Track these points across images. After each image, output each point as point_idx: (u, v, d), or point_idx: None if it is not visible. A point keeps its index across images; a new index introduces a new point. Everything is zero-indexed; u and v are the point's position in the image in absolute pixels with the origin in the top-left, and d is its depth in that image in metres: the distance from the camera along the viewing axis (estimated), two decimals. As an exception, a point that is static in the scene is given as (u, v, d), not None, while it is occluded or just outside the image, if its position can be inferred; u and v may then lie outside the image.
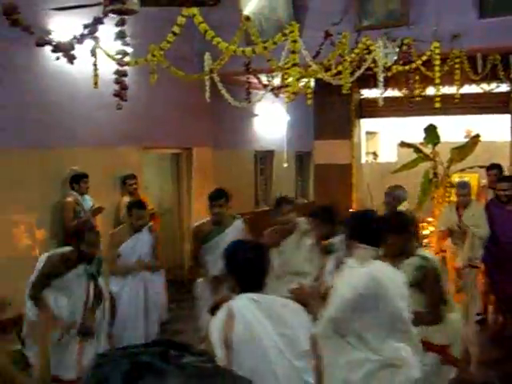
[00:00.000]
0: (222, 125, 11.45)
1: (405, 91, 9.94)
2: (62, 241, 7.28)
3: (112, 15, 4.59)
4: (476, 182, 10.94)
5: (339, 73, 7.60)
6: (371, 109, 11.31)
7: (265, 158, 14.20)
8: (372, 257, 3.61)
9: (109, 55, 6.29)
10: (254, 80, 9.54)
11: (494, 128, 12.59)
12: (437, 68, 7.71)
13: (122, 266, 6.17)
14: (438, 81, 7.69)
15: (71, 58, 5.03)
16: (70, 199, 7.50)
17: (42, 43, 4.92)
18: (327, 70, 7.59)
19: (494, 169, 8.08)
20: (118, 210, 8.73)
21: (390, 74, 8.17)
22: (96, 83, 6.53)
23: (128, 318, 6.05)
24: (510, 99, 10.94)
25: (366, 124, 12.98)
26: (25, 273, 5.30)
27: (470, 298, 7.24)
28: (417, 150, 10.63)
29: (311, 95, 8.53)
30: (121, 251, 6.19)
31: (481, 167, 9.28)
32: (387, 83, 8.32)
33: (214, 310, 3.10)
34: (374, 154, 16.04)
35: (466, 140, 11.19)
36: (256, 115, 13.19)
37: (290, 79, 7.93)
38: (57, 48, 4.94)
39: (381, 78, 7.70)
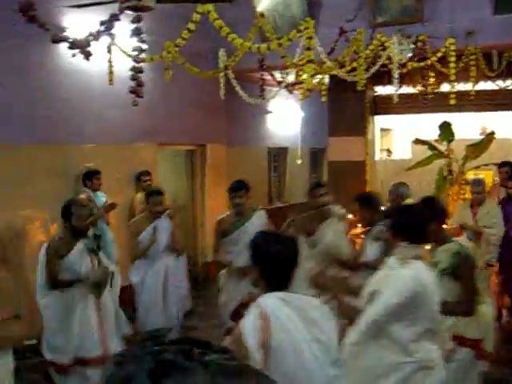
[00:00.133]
0: (235, 121, 11.46)
1: (419, 88, 9.90)
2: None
3: (128, 12, 4.62)
4: (491, 179, 10.89)
5: (354, 69, 7.58)
6: (386, 105, 11.26)
7: (278, 154, 14.20)
8: (414, 256, 3.45)
9: (124, 52, 6.32)
10: (268, 77, 9.54)
11: (509, 125, 12.50)
12: (452, 65, 7.67)
13: (141, 247, 6.32)
14: (453, 77, 7.66)
15: (88, 55, 5.06)
16: (82, 196, 7.53)
17: (57, 40, 4.95)
18: (342, 66, 7.58)
19: (505, 166, 7.93)
20: (132, 207, 8.77)
21: (404, 70, 8.14)
22: (111, 80, 6.56)
23: (150, 305, 6.28)
24: (525, 96, 10.87)
25: (380, 121, 12.93)
26: (37, 269, 5.40)
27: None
28: (431, 147, 10.59)
29: (325, 92, 8.52)
30: (141, 239, 6.26)
31: (496, 165, 9.23)
32: (402, 80, 8.29)
33: (234, 316, 2.99)
34: (388, 151, 15.97)
35: (481, 137, 11.13)
36: (270, 112, 13.19)
37: (305, 76, 7.94)
38: (73, 45, 4.97)
39: (396, 74, 7.67)
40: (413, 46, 8.29)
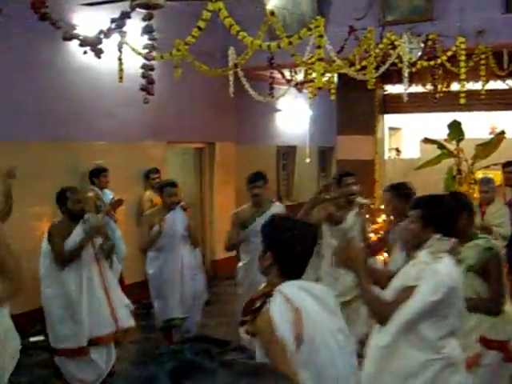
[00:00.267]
0: (244, 120, 11.46)
1: (429, 87, 9.87)
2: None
3: (138, 10, 4.63)
4: (500, 179, 10.84)
5: (363, 68, 7.56)
6: (395, 104, 11.24)
7: (287, 153, 14.19)
8: (446, 249, 3.30)
9: (134, 50, 6.33)
10: (277, 75, 9.53)
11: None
12: (462, 64, 7.63)
13: (149, 237, 6.34)
14: (463, 76, 7.62)
15: (99, 53, 5.07)
16: (90, 194, 7.55)
17: (68, 37, 4.96)
18: (351, 65, 7.57)
19: (510, 166, 7.85)
20: (140, 205, 8.79)
21: (414, 69, 8.11)
22: (121, 78, 6.57)
23: (166, 296, 6.34)
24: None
25: (388, 120, 12.90)
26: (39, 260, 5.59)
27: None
28: (440, 146, 10.55)
29: (334, 90, 8.50)
30: (156, 231, 6.29)
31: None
32: (411, 79, 8.27)
33: (246, 312, 2.69)
34: (397, 150, 15.94)
35: (491, 136, 11.08)
36: (279, 110, 13.18)
37: (314, 74, 7.92)
38: (84, 42, 4.98)
39: (406, 73, 7.66)
40: (422, 44, 8.26)
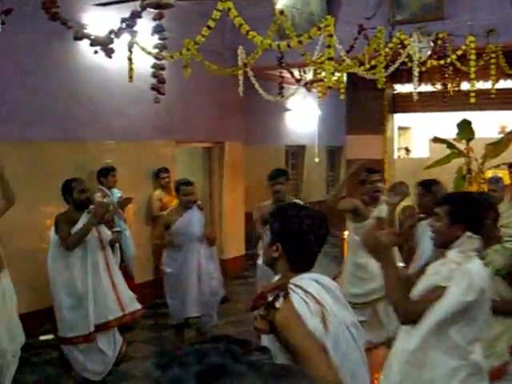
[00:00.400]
0: (253, 119, 11.47)
1: (439, 86, 9.84)
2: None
3: (148, 9, 4.63)
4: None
5: (373, 67, 7.55)
6: (405, 104, 11.21)
7: (296, 152, 14.20)
8: (476, 248, 3.15)
9: (144, 49, 6.33)
10: (286, 74, 9.53)
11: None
12: (472, 63, 7.61)
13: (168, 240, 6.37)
14: (473, 76, 7.60)
15: (109, 52, 5.08)
16: (98, 194, 7.54)
17: (79, 37, 4.97)
18: (361, 64, 7.55)
19: None
20: (150, 204, 8.81)
21: (424, 68, 8.09)
22: (131, 77, 6.57)
23: (184, 295, 6.34)
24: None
25: (398, 119, 12.87)
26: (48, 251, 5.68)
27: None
28: (450, 145, 10.52)
29: (344, 90, 8.49)
30: (173, 231, 6.32)
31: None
32: (421, 78, 8.24)
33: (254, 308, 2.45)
34: (407, 150, 15.91)
35: (501, 136, 11.04)
36: (288, 110, 13.19)
37: (323, 74, 7.91)
38: (95, 42, 4.99)
39: (415, 72, 7.64)
40: (432, 43, 8.24)
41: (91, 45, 5.07)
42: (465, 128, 10.27)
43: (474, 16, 8.12)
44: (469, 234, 3.13)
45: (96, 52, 5.25)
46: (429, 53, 8.25)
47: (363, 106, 11.02)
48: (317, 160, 13.06)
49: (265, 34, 5.95)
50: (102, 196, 7.46)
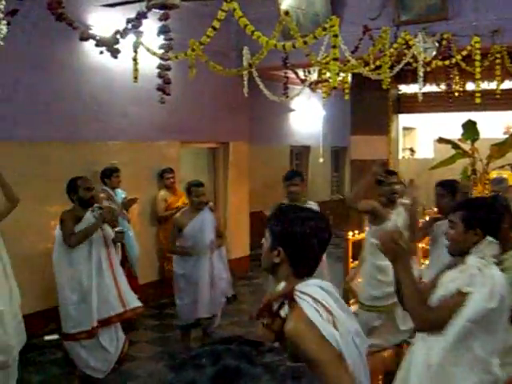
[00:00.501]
0: (258, 120, 11.47)
1: (444, 87, 9.82)
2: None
3: (154, 10, 4.64)
4: (512, 179, 10.77)
5: (378, 67, 7.54)
6: (409, 104, 11.19)
7: (301, 153, 14.20)
8: (495, 254, 3.05)
9: (148, 50, 6.34)
10: (291, 75, 9.53)
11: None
12: (477, 63, 7.60)
13: (183, 246, 6.38)
14: (478, 76, 7.59)
15: (115, 53, 5.08)
16: (102, 195, 7.54)
17: (85, 38, 4.97)
18: (366, 64, 7.55)
19: None
20: (154, 204, 8.83)
21: (429, 69, 8.08)
22: (136, 78, 6.58)
23: (196, 296, 6.34)
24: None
25: (403, 119, 12.85)
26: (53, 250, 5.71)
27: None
28: (455, 146, 10.49)
29: (348, 90, 8.48)
30: (186, 232, 6.33)
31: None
32: (426, 78, 8.23)
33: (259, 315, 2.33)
34: (411, 150, 15.90)
35: (506, 136, 11.01)
36: (292, 110, 13.19)
37: (328, 74, 7.90)
38: (100, 42, 4.99)
39: (420, 73, 7.63)
40: (437, 44, 8.23)
41: (97, 45, 5.08)
42: (470, 128, 10.23)
43: (479, 16, 8.11)
44: (490, 238, 3.05)
45: (102, 52, 5.25)
46: (434, 53, 8.24)
47: (368, 106, 11.00)
48: (321, 160, 13.05)
49: (269, 34, 5.94)
50: (106, 197, 7.47)
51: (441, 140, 10.81)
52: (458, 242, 3.13)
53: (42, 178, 7.17)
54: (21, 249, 6.58)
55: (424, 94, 8.75)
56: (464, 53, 7.87)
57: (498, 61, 8.22)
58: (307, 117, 13.59)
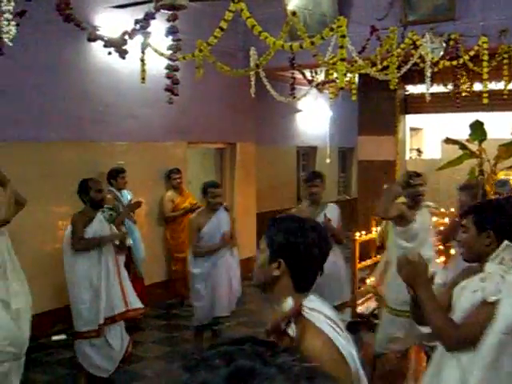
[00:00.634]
0: (265, 120, 11.48)
1: (451, 87, 9.80)
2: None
3: (162, 11, 4.65)
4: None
5: (385, 68, 7.54)
6: (417, 105, 11.17)
7: (307, 153, 14.19)
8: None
9: (156, 51, 6.35)
10: (298, 75, 9.53)
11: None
12: (485, 63, 7.58)
13: (204, 246, 6.37)
14: (485, 76, 7.57)
15: (123, 53, 5.09)
16: (109, 196, 7.53)
17: (93, 38, 4.99)
18: (373, 65, 7.54)
19: None
20: (161, 205, 8.83)
21: (436, 69, 8.07)
22: (143, 78, 6.59)
23: (213, 296, 6.36)
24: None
25: (410, 120, 12.83)
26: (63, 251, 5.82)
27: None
28: (462, 146, 10.48)
29: (355, 91, 8.48)
30: (204, 233, 6.34)
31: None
32: (433, 79, 8.21)
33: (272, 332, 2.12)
34: (418, 151, 15.88)
35: (513, 137, 10.98)
36: (299, 111, 13.18)
37: (335, 75, 7.90)
38: (108, 43, 5.01)
39: (428, 73, 7.61)
40: (444, 44, 8.21)
41: (105, 46, 5.09)
42: (477, 129, 10.22)
43: (486, 16, 8.10)
44: (506, 242, 2.90)
45: (110, 53, 5.27)
46: (441, 53, 8.22)
47: (375, 106, 10.99)
48: (328, 161, 13.03)
49: (276, 35, 5.95)
50: (112, 197, 7.48)
51: (448, 140, 10.80)
52: (471, 246, 3.02)
53: (48, 178, 7.19)
54: (28, 249, 6.60)
55: (431, 94, 8.73)
56: (471, 53, 7.86)
57: (505, 61, 8.19)
58: (314, 117, 13.58)
